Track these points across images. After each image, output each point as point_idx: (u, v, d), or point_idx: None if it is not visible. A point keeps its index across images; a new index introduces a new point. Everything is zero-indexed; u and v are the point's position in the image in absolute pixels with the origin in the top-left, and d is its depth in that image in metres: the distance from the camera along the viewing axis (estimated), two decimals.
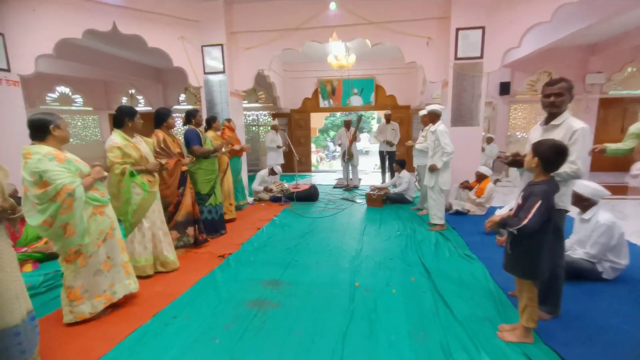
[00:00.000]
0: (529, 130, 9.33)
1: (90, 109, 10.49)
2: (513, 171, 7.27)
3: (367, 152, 22.59)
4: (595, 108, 8.84)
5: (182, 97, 10.68)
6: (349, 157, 7.18)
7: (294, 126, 10.08)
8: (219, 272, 3.19)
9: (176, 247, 3.52)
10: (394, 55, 9.08)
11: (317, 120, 12.23)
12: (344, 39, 5.83)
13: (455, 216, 4.92)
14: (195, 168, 3.92)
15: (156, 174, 3.08)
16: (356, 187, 7.41)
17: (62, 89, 9.75)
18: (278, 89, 9.24)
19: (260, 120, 10.60)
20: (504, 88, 8.97)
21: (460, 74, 5.34)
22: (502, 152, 2.91)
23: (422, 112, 4.94)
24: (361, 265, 3.32)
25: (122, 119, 2.83)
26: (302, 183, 8.10)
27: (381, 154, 7.33)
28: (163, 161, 3.27)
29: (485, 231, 4.09)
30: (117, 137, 2.80)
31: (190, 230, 3.68)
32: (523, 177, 2.42)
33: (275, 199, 6.11)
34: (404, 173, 5.79)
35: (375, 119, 27.52)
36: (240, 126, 6.51)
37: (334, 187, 7.57)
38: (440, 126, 4.18)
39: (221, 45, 5.73)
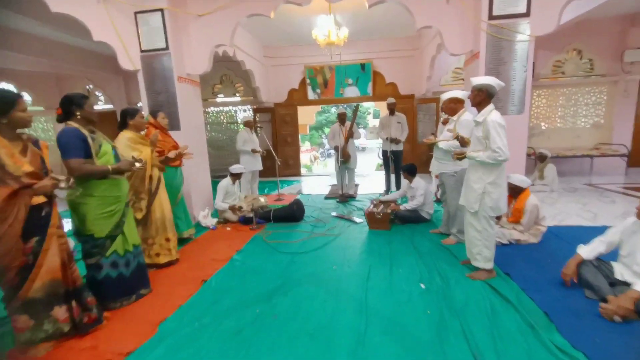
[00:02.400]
0: (554, 120, 7.68)
1: (40, 108, 8.75)
2: (549, 171, 5.63)
3: (363, 149, 20.92)
4: (636, 91, 7.18)
5: None
6: (344, 159, 5.49)
7: (279, 122, 8.37)
8: None
9: (29, 341, 1.88)
10: (394, 34, 7.37)
11: (307, 115, 10.46)
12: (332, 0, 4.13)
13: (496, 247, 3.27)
14: (81, 197, 2.24)
15: None
16: (352, 197, 5.74)
17: (5, 85, 7.99)
18: (257, 78, 7.52)
19: (240, 116, 8.86)
20: None
21: (497, 39, 3.67)
22: None
23: (450, 94, 3.27)
24: None
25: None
26: (287, 192, 6.44)
27: (384, 154, 5.64)
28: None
29: (565, 284, 2.48)
30: None
31: (61, 312, 2.01)
32: None
33: (245, 221, 4.43)
34: (418, 182, 4.12)
35: (371, 113, 25.65)
36: (198, 126, 4.81)
37: (326, 198, 5.89)
38: (492, 114, 2.50)
39: (161, 10, 4.01)
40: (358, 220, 4.43)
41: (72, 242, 2.60)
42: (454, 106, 3.25)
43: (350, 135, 5.48)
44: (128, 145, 2.92)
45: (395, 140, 5.43)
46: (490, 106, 2.56)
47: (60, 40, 6.43)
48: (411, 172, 4.17)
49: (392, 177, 5.76)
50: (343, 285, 2.72)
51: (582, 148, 7.37)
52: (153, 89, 4.28)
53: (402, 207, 4.12)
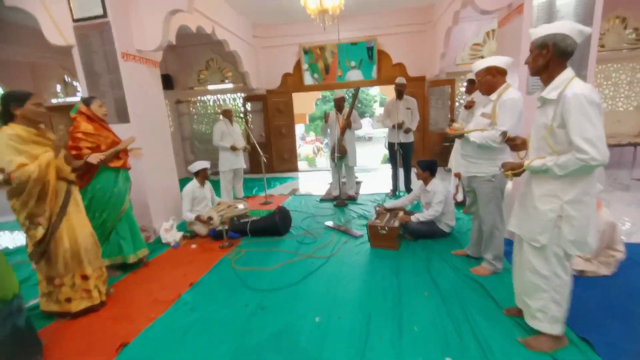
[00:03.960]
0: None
1: None
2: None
3: (369, 139, 19.70)
4: None
5: None
6: (340, 154, 4.46)
7: (272, 112, 7.32)
8: None
9: None
10: (402, 3, 6.18)
11: (305, 103, 9.31)
12: None
13: None
14: None
15: None
16: (353, 199, 4.71)
17: None
18: (245, 61, 6.46)
19: (229, 106, 7.82)
20: None
21: None
22: None
23: (486, 63, 2.19)
24: None
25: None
26: (279, 193, 5.44)
27: (391, 147, 4.57)
28: None
29: None
30: None
31: None
32: None
33: (216, 235, 3.47)
34: (435, 184, 3.08)
35: (377, 101, 24.22)
36: (158, 117, 3.81)
37: (322, 200, 4.87)
38: (573, 86, 1.43)
39: None
40: (357, 233, 3.42)
41: None
42: (492, 80, 2.18)
43: (347, 124, 4.42)
44: (10, 146, 1.94)
45: (405, 129, 4.35)
46: (567, 72, 1.50)
47: (34, 25, 5.50)
48: (431, 171, 3.12)
49: (401, 173, 4.71)
50: (327, 350, 1.74)
51: (624, 135, 6.17)
52: (92, 70, 3.29)
53: (413, 218, 3.08)
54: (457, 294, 2.23)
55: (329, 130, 4.64)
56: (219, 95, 7.75)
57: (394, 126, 4.35)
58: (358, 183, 5.71)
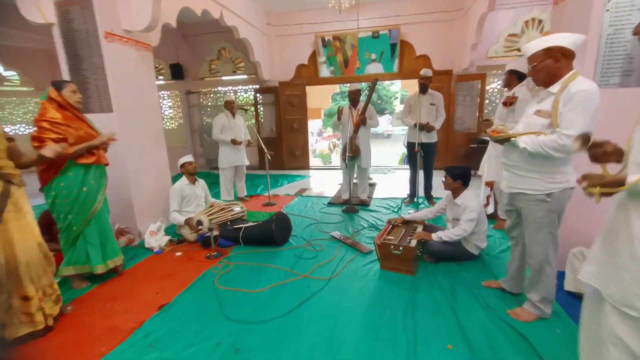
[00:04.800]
0: None
1: (29, 89, 7.78)
2: None
3: (388, 136, 18.96)
4: None
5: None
6: (352, 155, 3.92)
7: (284, 105, 6.83)
8: None
9: None
10: None
11: (320, 98, 8.72)
12: None
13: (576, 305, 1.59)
14: None
15: None
16: (365, 205, 4.17)
17: None
18: (257, 50, 6.00)
19: (240, 98, 7.39)
20: None
21: None
22: None
23: (546, 43, 1.58)
24: None
25: None
26: (284, 193, 4.96)
27: (411, 147, 3.98)
28: None
29: None
30: None
31: None
32: None
33: (205, 241, 3.03)
34: (468, 198, 2.49)
35: (398, 98, 23.25)
36: (149, 107, 3.39)
37: (329, 204, 4.35)
38: None
39: None
40: (365, 248, 2.88)
41: None
42: (554, 66, 1.57)
43: (362, 120, 3.87)
44: None
45: (427, 128, 3.76)
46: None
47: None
48: (463, 181, 2.53)
49: (419, 176, 4.10)
50: None
51: None
52: (75, 53, 2.90)
53: (435, 236, 2.51)
54: (491, 348, 1.67)
55: (341, 127, 4.10)
56: (230, 87, 7.34)
57: (415, 125, 3.76)
58: (372, 185, 5.15)
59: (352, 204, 4.06)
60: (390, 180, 5.80)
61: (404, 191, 4.53)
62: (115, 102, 2.93)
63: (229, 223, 3.21)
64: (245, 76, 7.10)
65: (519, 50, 5.89)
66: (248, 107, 6.96)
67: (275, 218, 3.01)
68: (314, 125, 12.41)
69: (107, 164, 2.50)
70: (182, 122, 7.64)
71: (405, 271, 2.42)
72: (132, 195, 3.12)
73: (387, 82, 23.20)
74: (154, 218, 3.32)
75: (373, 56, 6.46)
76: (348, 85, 4.75)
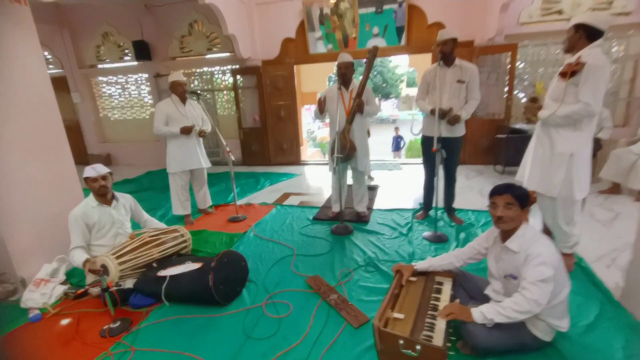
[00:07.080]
0: None
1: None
2: None
3: (394, 121, 17.50)
4: None
5: (102, 49, 6.40)
6: (344, 154, 2.73)
7: (269, 89, 5.59)
8: None
9: None
10: None
11: (314, 80, 7.33)
12: None
13: None
14: None
15: None
16: (363, 221, 3.01)
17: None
18: (230, 21, 4.76)
19: (217, 80, 6.15)
20: None
21: None
22: None
23: None
24: None
25: None
26: (260, 201, 3.76)
27: (427, 143, 2.77)
28: None
29: None
30: None
31: None
32: None
33: (112, 298, 1.91)
34: (531, 239, 1.32)
35: (404, 81, 21.46)
36: (34, 92, 2.23)
37: (314, 220, 3.19)
38: None
39: None
40: (358, 318, 1.75)
41: None
42: None
43: (358, 107, 2.67)
44: None
45: (452, 118, 2.55)
46: None
47: None
48: (521, 201, 1.36)
49: (439, 181, 2.89)
50: None
51: None
52: None
53: (479, 316, 1.35)
54: None
55: (327, 116, 2.91)
56: (206, 68, 6.11)
57: (432, 111, 2.55)
58: (372, 189, 3.97)
59: (343, 221, 2.90)
60: (396, 180, 4.57)
61: (415, 196, 3.34)
62: None
63: (154, 264, 2.10)
64: (227, 54, 5.84)
65: (559, 12, 4.56)
66: (201, 91, 5.66)
67: (216, 264, 1.88)
68: (307, 113, 11.09)
69: None
70: (154, 111, 6.46)
71: None
72: (3, 226, 2.01)
73: (392, 65, 21.32)
74: (49, 256, 2.22)
75: (375, 30, 5.16)
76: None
